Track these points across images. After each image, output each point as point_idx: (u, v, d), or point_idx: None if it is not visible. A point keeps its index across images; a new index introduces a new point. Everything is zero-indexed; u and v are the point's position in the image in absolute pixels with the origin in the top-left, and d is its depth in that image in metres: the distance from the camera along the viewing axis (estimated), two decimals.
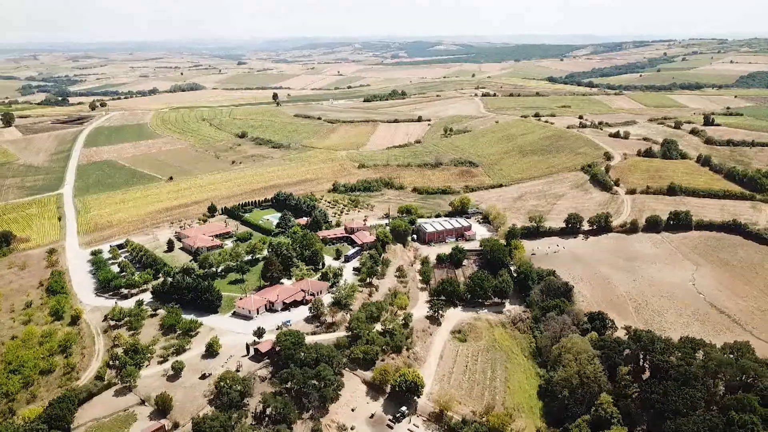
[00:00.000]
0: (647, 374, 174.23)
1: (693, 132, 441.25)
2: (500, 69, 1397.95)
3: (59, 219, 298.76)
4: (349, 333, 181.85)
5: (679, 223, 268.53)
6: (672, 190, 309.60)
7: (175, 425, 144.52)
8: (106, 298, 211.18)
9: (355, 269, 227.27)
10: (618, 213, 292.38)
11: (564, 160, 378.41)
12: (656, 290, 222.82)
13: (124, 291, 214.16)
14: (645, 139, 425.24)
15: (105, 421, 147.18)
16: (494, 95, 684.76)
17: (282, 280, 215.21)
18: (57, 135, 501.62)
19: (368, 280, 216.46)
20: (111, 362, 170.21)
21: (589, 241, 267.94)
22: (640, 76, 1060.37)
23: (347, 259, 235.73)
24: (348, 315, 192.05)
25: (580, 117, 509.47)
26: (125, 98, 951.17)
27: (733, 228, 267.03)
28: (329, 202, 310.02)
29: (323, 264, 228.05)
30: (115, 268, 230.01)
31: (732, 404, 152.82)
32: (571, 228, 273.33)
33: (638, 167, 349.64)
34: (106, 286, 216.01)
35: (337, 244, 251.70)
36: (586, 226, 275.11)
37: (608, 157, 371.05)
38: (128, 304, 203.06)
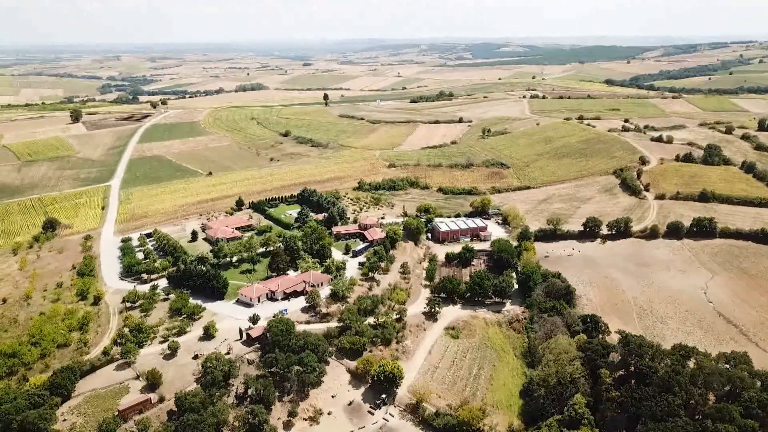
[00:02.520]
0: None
1: (744, 137, 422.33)
2: (563, 71, 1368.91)
3: (102, 208, 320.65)
4: (341, 324, 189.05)
5: (702, 229, 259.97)
6: (704, 197, 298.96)
7: (161, 399, 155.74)
8: (129, 282, 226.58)
9: (360, 264, 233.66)
10: (642, 218, 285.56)
11: (597, 163, 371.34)
12: (664, 297, 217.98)
13: (145, 276, 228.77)
14: (690, 143, 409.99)
15: (101, 392, 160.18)
16: (543, 97, 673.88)
17: (288, 272, 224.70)
18: (116, 131, 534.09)
19: (370, 274, 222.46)
20: (118, 340, 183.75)
21: (606, 246, 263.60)
22: (709, 79, 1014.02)
23: (355, 254, 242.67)
24: (343, 306, 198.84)
25: (626, 120, 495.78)
26: (189, 98, 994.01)
27: (762, 237, 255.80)
28: (352, 200, 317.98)
29: (330, 258, 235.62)
30: (140, 255, 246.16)
31: (711, 413, 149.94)
32: (589, 232, 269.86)
33: (673, 172, 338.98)
34: (129, 271, 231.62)
35: (350, 239, 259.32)
36: (604, 231, 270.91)
37: (643, 161, 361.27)
38: (146, 288, 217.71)
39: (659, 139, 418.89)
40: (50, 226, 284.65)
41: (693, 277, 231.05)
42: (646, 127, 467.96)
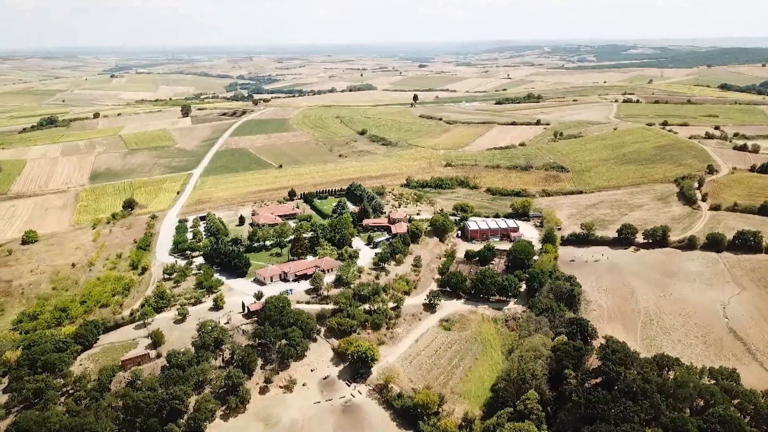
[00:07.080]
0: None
1: None
2: (685, 75, 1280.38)
3: (178, 193, 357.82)
4: (336, 306, 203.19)
5: (745, 243, 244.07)
6: (764, 209, 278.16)
7: (158, 355, 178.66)
8: (175, 257, 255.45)
9: (376, 254, 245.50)
10: (687, 228, 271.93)
11: (662, 170, 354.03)
12: (678, 308, 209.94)
13: (188, 253, 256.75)
14: None
15: (116, 345, 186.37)
16: (637, 102, 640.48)
17: (308, 256, 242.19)
18: (215, 125, 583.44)
19: (381, 264, 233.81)
20: (144, 304, 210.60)
21: (638, 254, 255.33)
22: None
23: (375, 246, 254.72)
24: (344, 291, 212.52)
25: (716, 127, 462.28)
26: (299, 95, 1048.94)
27: None
28: (395, 196, 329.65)
29: (347, 246, 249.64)
30: (190, 235, 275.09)
31: (666, 423, 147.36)
32: (624, 239, 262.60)
33: (739, 183, 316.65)
34: (176, 247, 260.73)
35: (377, 231, 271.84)
36: (640, 239, 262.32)
37: (711, 170, 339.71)
38: (185, 263, 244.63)
39: (743, 148, 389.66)
40: (128, 205, 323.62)
41: (717, 291, 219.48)
42: (735, 134, 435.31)
